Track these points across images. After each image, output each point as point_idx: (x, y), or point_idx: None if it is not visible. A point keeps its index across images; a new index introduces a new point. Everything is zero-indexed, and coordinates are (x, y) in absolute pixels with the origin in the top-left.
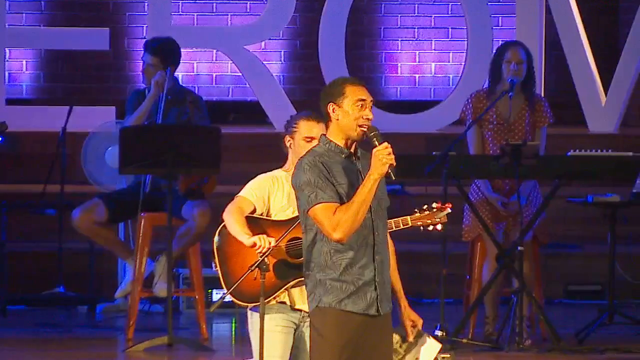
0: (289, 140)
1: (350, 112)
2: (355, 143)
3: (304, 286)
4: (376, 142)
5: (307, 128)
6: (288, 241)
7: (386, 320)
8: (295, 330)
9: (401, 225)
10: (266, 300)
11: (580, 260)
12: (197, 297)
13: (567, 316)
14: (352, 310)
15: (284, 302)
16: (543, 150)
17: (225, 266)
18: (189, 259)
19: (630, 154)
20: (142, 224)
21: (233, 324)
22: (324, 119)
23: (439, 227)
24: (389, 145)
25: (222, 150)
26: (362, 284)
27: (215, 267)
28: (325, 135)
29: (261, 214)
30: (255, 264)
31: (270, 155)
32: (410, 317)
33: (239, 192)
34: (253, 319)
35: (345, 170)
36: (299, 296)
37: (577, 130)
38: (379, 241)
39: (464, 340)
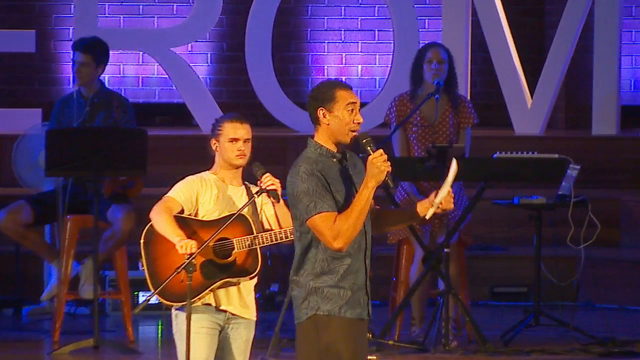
0: (214, 143)
1: (341, 116)
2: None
3: (229, 287)
4: (370, 150)
5: (232, 130)
6: (216, 241)
7: (367, 324)
8: (220, 331)
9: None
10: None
11: (505, 262)
12: (123, 299)
13: (493, 318)
14: (351, 317)
15: (209, 304)
16: (468, 151)
17: (153, 266)
18: (115, 261)
19: (556, 156)
20: (68, 226)
21: (159, 327)
22: (313, 123)
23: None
24: (384, 152)
25: (148, 152)
26: (357, 288)
27: (142, 267)
28: (314, 139)
29: (189, 215)
30: (182, 266)
31: (197, 157)
32: (430, 200)
33: (167, 193)
34: (178, 319)
35: (339, 176)
36: (225, 297)
37: (503, 132)
38: (369, 245)
39: (390, 342)
